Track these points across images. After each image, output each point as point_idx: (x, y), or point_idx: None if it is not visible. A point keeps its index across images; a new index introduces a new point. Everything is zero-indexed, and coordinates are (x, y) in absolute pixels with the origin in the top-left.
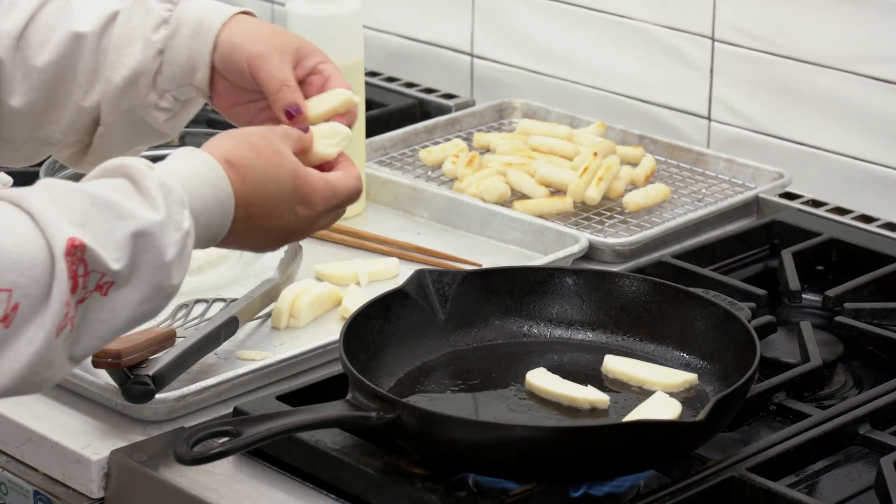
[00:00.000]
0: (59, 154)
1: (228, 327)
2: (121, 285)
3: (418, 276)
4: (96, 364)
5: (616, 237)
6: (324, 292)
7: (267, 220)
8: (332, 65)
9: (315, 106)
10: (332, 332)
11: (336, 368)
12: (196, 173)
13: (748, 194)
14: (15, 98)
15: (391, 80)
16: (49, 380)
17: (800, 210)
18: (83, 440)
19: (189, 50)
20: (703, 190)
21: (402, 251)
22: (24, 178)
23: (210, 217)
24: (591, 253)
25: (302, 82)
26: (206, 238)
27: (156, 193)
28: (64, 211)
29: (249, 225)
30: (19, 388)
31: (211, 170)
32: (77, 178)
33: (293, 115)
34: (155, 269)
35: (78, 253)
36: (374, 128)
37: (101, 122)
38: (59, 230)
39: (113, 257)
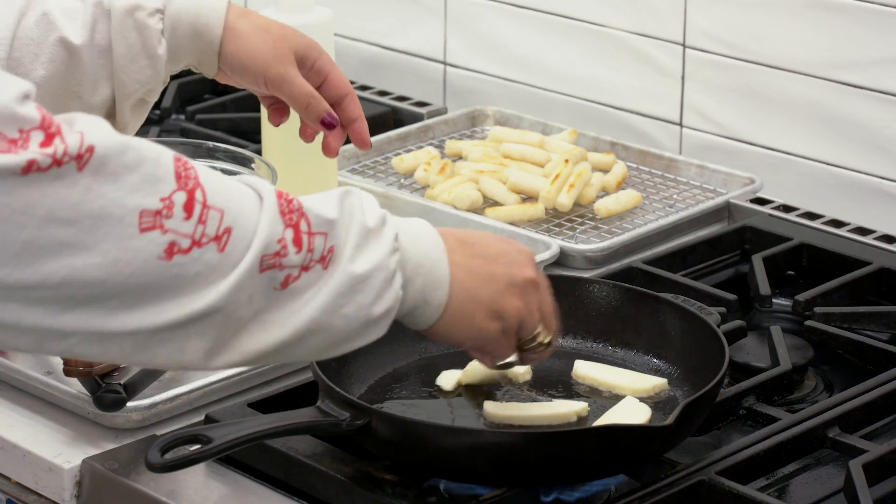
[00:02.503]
0: None
1: None
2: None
3: None
4: (68, 373)
5: (587, 243)
6: None
7: (480, 247)
8: (327, 58)
9: None
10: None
11: (307, 376)
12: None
13: (719, 200)
14: None
15: (364, 88)
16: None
17: (771, 215)
18: (55, 448)
19: (193, 53)
20: (675, 196)
21: None
22: None
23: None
24: (562, 259)
25: None
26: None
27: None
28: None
29: (466, 251)
30: (225, 309)
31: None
32: None
33: (332, 124)
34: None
35: (293, 203)
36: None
37: (114, 114)
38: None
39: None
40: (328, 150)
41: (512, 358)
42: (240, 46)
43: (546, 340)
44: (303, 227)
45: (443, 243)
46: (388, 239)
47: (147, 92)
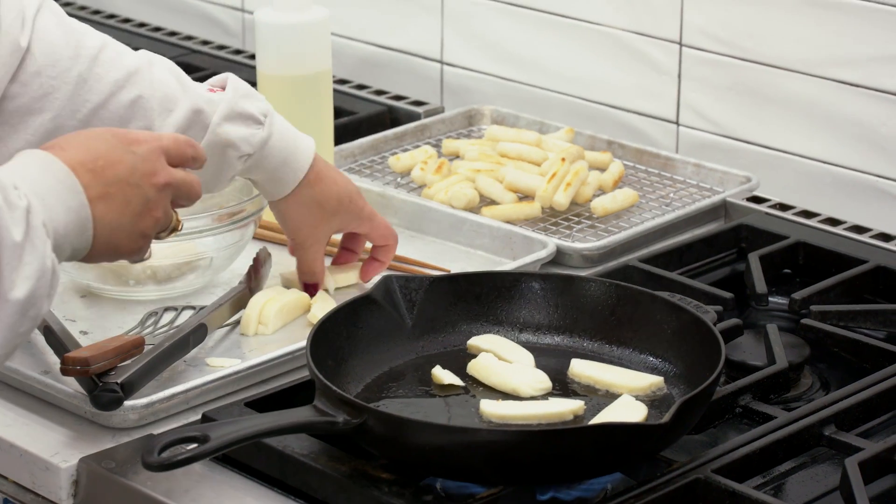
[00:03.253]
0: None
1: (197, 334)
2: None
3: (386, 281)
4: (65, 372)
5: (584, 242)
6: (292, 299)
7: (111, 170)
8: (374, 217)
9: (338, 280)
10: (300, 338)
11: (304, 374)
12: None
13: (716, 198)
14: None
15: (361, 87)
16: None
17: (767, 213)
18: (52, 448)
19: (258, 185)
20: (671, 194)
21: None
22: None
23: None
24: (558, 258)
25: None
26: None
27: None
28: None
29: (99, 180)
30: None
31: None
32: None
33: (311, 292)
34: None
35: None
36: (343, 135)
37: None
38: None
39: None
40: (362, 276)
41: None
42: (290, 210)
43: (179, 226)
44: None
45: (77, 182)
46: (39, 238)
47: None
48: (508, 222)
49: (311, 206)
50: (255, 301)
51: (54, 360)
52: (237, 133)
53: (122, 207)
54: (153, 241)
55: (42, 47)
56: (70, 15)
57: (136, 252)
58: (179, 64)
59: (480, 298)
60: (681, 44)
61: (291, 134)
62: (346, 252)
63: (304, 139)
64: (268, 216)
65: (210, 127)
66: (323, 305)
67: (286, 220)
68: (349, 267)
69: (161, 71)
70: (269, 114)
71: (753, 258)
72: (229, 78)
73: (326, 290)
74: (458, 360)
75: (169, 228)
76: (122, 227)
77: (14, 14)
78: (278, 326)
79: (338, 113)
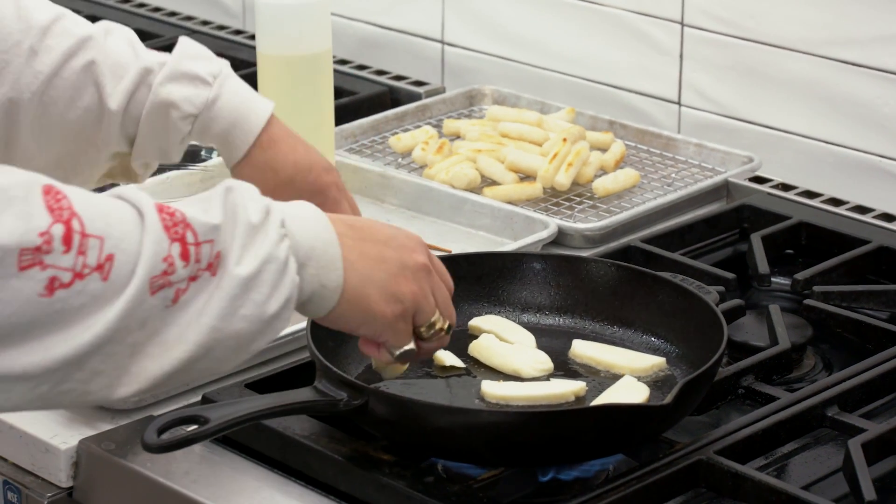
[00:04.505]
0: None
1: None
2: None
3: None
4: None
5: (585, 222)
6: None
7: (369, 230)
8: (335, 196)
9: None
10: (300, 319)
11: (304, 356)
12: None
13: (718, 178)
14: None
15: (361, 67)
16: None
17: (769, 194)
18: (52, 429)
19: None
20: (673, 174)
21: None
22: None
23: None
24: (560, 238)
25: None
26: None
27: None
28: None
29: (355, 233)
30: (116, 337)
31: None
32: None
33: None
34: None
35: (176, 215)
36: (343, 115)
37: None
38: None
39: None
40: None
41: (409, 346)
42: (243, 175)
43: (444, 326)
44: (189, 238)
45: (332, 226)
46: (273, 229)
47: (156, 162)
48: (509, 203)
49: (265, 170)
50: None
51: None
52: (179, 93)
53: (375, 262)
54: (414, 335)
55: None
56: None
57: (390, 321)
58: None
59: (481, 279)
60: (682, 24)
61: (246, 96)
62: None
63: (261, 102)
64: None
65: (152, 87)
66: None
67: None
68: None
69: (116, 39)
70: (221, 76)
71: (756, 238)
72: (179, 40)
73: None
74: (460, 341)
75: (429, 324)
76: (374, 279)
77: None
78: None
79: (338, 93)
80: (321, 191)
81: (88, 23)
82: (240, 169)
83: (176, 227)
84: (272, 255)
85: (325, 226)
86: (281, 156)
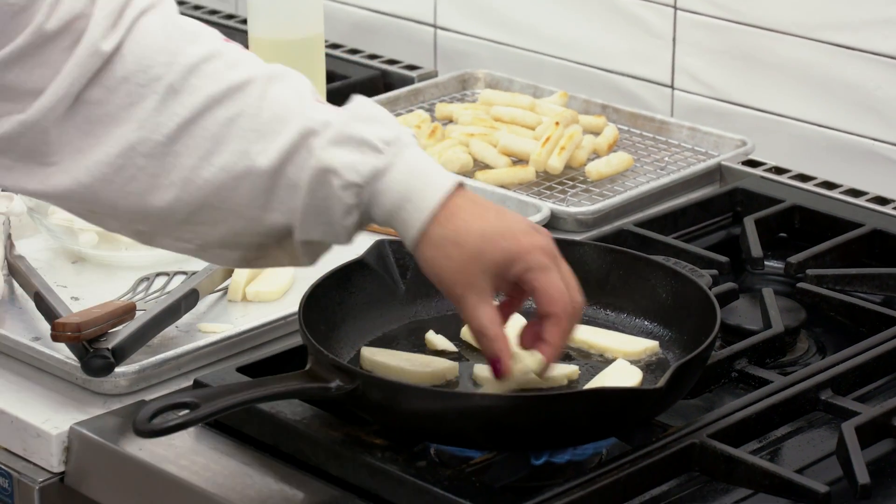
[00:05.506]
0: None
1: (189, 300)
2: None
3: (378, 246)
4: (55, 338)
5: (578, 206)
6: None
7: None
8: (539, 271)
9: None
10: (292, 303)
11: (297, 340)
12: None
13: (711, 162)
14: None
15: (354, 51)
16: None
17: (763, 177)
18: (43, 414)
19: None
20: (666, 158)
21: None
22: None
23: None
24: (553, 222)
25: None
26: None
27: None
28: None
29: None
30: None
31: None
32: None
33: (495, 370)
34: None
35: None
36: (336, 100)
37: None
38: None
39: None
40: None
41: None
42: (427, 256)
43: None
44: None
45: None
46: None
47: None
48: (502, 186)
49: (447, 246)
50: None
51: (45, 327)
52: (343, 158)
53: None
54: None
55: (136, 50)
56: None
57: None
58: None
59: None
60: (675, 7)
61: (425, 169)
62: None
63: (442, 175)
64: None
65: (314, 151)
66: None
67: (425, 268)
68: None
69: (282, 88)
70: (399, 144)
71: (749, 222)
72: (353, 99)
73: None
74: (452, 325)
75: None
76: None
77: (105, 13)
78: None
79: (330, 77)
80: (520, 256)
81: (250, 64)
82: (419, 251)
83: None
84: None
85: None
86: (463, 227)
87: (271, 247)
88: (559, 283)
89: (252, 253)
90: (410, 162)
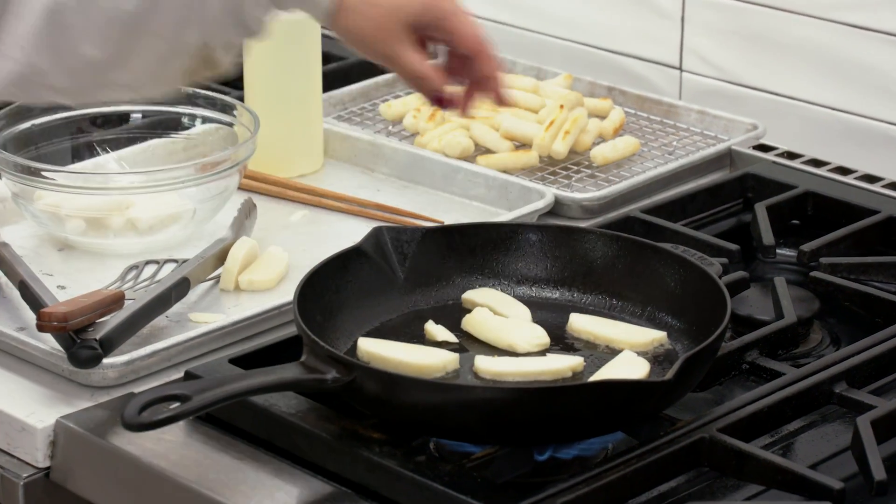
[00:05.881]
0: None
1: (179, 289)
2: None
3: (376, 233)
4: (41, 328)
5: (583, 192)
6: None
7: None
8: (452, 15)
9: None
10: (286, 292)
11: (291, 330)
12: None
13: (721, 147)
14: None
15: None
16: None
17: (774, 162)
18: (28, 407)
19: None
20: (674, 143)
21: (361, 209)
22: None
23: None
24: (557, 208)
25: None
26: None
27: None
28: None
29: None
30: None
31: None
32: None
33: (443, 103)
34: None
35: None
36: (332, 82)
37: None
38: None
39: None
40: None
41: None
42: (347, 24)
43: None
44: None
45: None
46: None
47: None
48: (505, 172)
49: (363, 7)
50: (234, 254)
51: (30, 316)
52: None
53: None
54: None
55: None
56: None
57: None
58: None
59: (475, 251)
60: None
61: None
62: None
63: None
64: (253, 165)
65: None
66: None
67: (348, 35)
68: None
69: None
70: None
71: (760, 209)
72: None
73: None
74: (452, 314)
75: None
76: None
77: None
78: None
79: (326, 58)
80: (432, 5)
81: None
82: (336, 19)
83: None
84: None
85: None
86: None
87: (198, 67)
88: (473, 21)
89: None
90: None
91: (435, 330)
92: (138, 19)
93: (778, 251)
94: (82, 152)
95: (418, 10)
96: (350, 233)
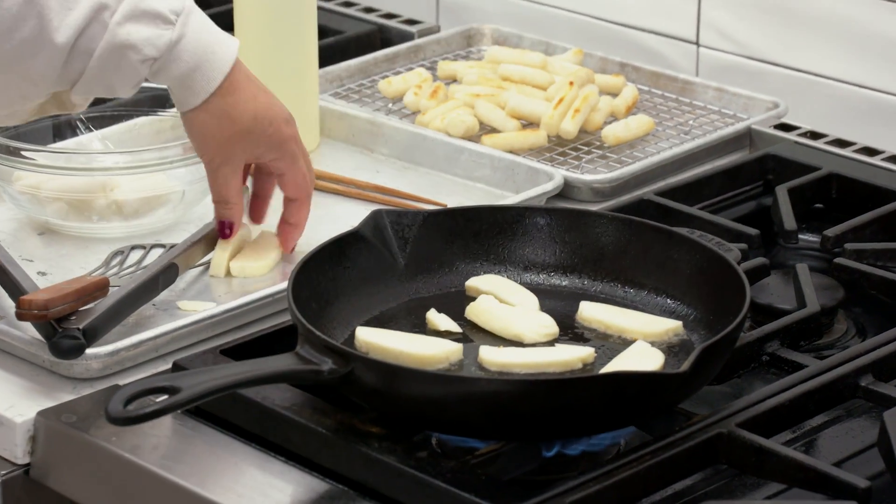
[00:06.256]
0: None
1: (167, 275)
2: None
3: (375, 217)
4: (20, 316)
5: (594, 174)
6: (266, 237)
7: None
8: (289, 159)
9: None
10: (280, 279)
11: (285, 319)
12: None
13: (740, 126)
14: None
15: (348, 4)
16: None
17: (796, 143)
18: (6, 400)
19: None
20: (691, 121)
21: (359, 191)
22: None
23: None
24: (566, 191)
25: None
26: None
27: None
28: None
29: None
30: None
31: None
32: None
33: (221, 233)
34: None
35: None
36: (329, 57)
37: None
38: None
39: None
40: (282, 246)
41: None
42: (200, 121)
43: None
44: None
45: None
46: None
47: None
48: (511, 152)
49: (221, 117)
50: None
51: (9, 304)
52: (139, 34)
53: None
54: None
55: None
56: None
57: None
58: None
59: (480, 235)
60: None
61: (211, 37)
62: (254, 199)
63: (226, 44)
64: None
65: (109, 26)
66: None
67: (193, 132)
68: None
69: None
70: (185, 12)
71: (781, 191)
72: None
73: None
74: (456, 303)
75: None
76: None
77: None
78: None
79: (323, 32)
80: (279, 145)
81: None
82: (194, 115)
83: None
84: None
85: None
86: (241, 103)
87: (48, 104)
88: (304, 170)
89: (29, 108)
90: (197, 29)
91: (437, 319)
92: (12, 61)
93: (800, 236)
94: (64, 131)
95: (264, 144)
96: (348, 216)
